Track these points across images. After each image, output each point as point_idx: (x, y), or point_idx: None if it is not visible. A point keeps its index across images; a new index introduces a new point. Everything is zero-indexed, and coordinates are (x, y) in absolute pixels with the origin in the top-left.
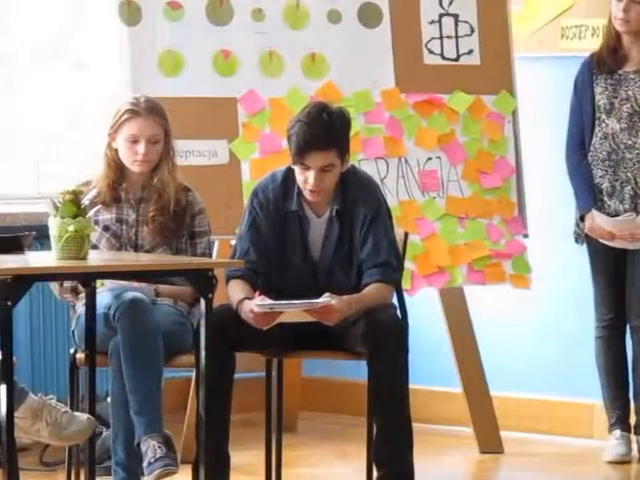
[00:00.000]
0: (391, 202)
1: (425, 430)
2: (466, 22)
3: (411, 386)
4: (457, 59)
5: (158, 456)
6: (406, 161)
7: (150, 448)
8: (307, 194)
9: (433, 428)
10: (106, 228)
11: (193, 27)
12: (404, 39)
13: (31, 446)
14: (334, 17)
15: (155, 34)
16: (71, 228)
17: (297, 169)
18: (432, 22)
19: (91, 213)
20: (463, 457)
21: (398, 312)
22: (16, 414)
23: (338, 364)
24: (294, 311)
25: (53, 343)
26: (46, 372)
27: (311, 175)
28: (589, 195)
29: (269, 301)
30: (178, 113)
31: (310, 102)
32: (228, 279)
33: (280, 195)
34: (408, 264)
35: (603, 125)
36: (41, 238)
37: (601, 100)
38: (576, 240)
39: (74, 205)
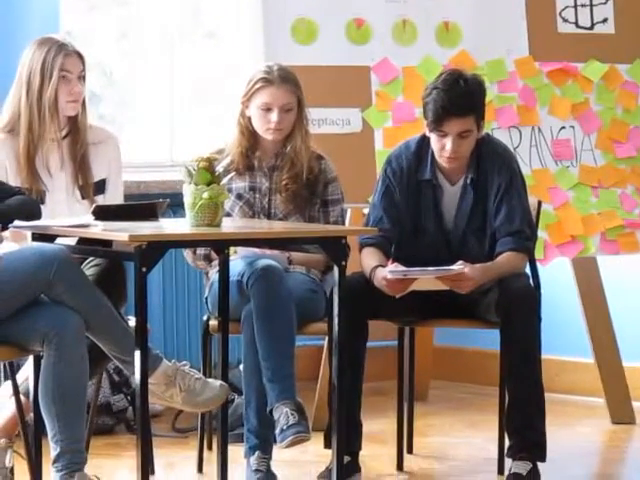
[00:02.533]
0: (524, 171)
1: (556, 400)
2: None
3: (543, 356)
4: (591, 27)
5: (291, 423)
6: (539, 130)
7: (283, 415)
8: (444, 161)
9: (565, 398)
10: (239, 196)
11: None
12: (538, 7)
13: (164, 412)
14: None
15: (288, 2)
16: (205, 195)
17: (434, 136)
18: None
19: (225, 180)
20: (595, 428)
21: (531, 281)
22: (150, 380)
23: (469, 333)
24: (427, 279)
25: (186, 310)
26: (179, 339)
27: (449, 142)
28: None
29: (402, 268)
30: (311, 81)
31: (444, 70)
32: (361, 247)
33: (414, 163)
34: (541, 233)
35: None
36: (174, 206)
37: None
38: None
39: (208, 172)
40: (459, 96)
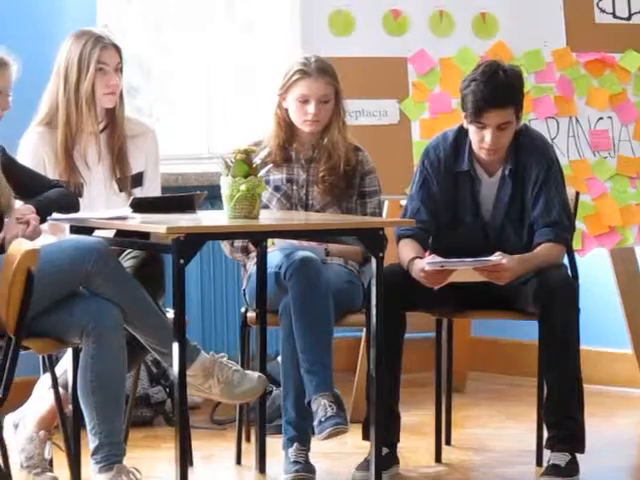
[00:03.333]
0: (562, 161)
1: (595, 391)
2: None
3: (581, 347)
4: (629, 18)
5: (329, 415)
6: (577, 120)
7: (321, 407)
8: (483, 153)
9: (603, 389)
10: (277, 188)
11: None
12: None
13: (202, 404)
14: None
15: None
16: (243, 187)
17: (472, 128)
18: None
19: (262, 172)
20: (633, 419)
21: (569, 272)
22: (188, 372)
23: (507, 324)
24: (465, 270)
25: (224, 302)
26: (217, 331)
27: (488, 134)
28: None
29: (440, 259)
30: (348, 73)
31: (482, 61)
32: (399, 238)
33: (451, 155)
34: (579, 224)
35: None
36: (211, 198)
37: None
38: None
39: (246, 164)
40: (498, 88)
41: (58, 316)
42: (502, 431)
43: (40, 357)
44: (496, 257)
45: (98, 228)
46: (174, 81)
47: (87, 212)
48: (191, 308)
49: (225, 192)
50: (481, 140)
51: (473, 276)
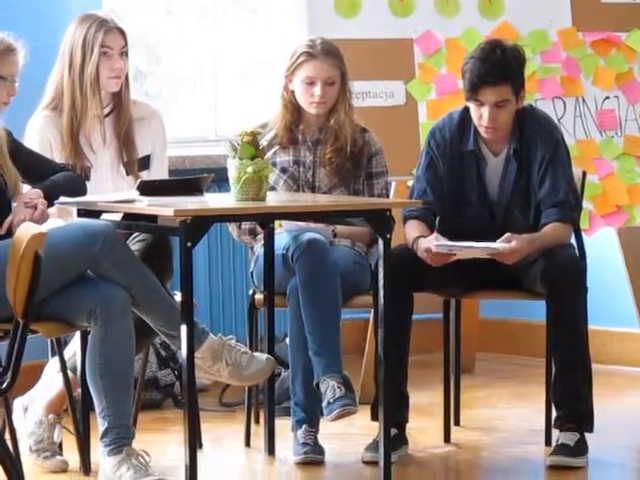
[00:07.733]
0: (568, 141)
1: (603, 371)
2: None
3: (589, 326)
4: None
5: (337, 396)
6: (583, 100)
7: (329, 388)
8: (482, 131)
9: (611, 369)
10: (284, 170)
11: None
12: None
13: (211, 387)
14: None
15: None
16: (249, 169)
17: (472, 106)
18: None
19: (269, 154)
20: None
21: (576, 251)
22: (196, 354)
23: (515, 305)
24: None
25: (231, 284)
26: (225, 313)
27: (485, 111)
28: None
29: (448, 242)
30: (354, 54)
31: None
32: (405, 219)
33: (457, 135)
34: (586, 204)
35: None
36: (219, 180)
37: None
38: None
39: (252, 146)
40: (494, 65)
41: (66, 299)
42: (511, 411)
43: (48, 340)
44: (503, 244)
45: (105, 211)
46: (181, 65)
47: (94, 195)
48: (199, 291)
49: (232, 174)
50: (479, 118)
51: (480, 253)
